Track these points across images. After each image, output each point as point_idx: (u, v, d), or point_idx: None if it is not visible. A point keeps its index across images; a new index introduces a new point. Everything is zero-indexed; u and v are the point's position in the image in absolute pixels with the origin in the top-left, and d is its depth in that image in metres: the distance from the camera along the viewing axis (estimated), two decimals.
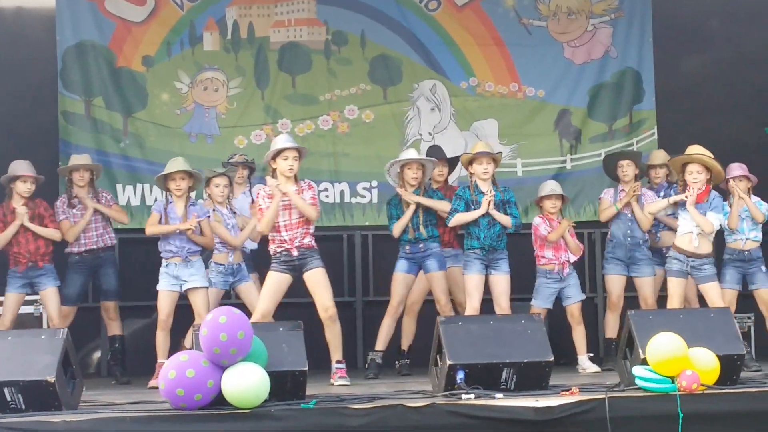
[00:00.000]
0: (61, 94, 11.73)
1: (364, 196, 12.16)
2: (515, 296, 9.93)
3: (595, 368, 9.95)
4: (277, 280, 9.03)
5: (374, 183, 12.13)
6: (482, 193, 9.60)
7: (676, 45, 12.74)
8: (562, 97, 12.52)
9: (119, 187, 11.75)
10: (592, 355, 10.22)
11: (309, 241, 9.10)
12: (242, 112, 12.08)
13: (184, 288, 9.39)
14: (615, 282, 10.30)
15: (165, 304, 9.40)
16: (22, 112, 11.58)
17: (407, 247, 9.98)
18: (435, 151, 10.90)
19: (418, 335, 10.33)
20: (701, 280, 9.35)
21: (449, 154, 11.02)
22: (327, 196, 12.06)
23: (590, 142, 12.51)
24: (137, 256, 11.37)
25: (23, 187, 9.91)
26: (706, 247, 9.29)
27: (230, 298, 10.20)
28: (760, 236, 10.00)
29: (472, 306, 9.48)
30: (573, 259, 10.16)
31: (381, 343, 10.13)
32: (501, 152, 10.39)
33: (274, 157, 9.04)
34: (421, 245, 9.97)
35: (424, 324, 10.34)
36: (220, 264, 9.78)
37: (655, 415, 7.01)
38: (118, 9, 11.90)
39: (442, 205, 9.92)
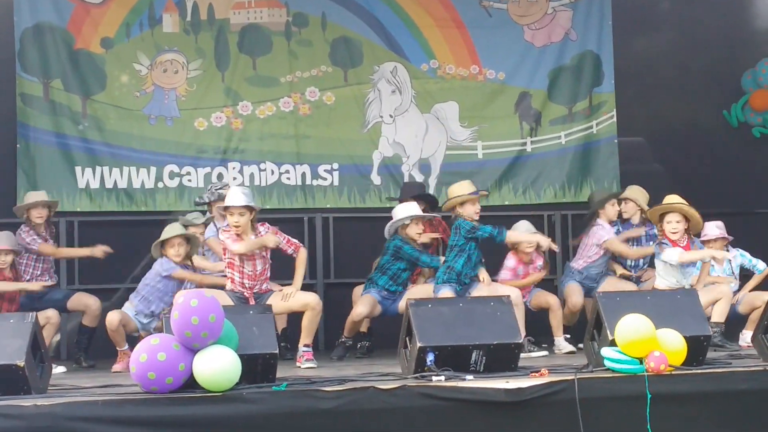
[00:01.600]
0: (19, 76, 11.58)
1: (325, 179, 12.12)
2: None
3: (569, 348, 10.08)
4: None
5: (335, 165, 12.11)
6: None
7: (633, 27, 12.80)
8: (522, 80, 12.53)
9: (78, 170, 11.65)
10: (569, 336, 10.37)
11: (266, 286, 9.03)
12: (202, 95, 11.98)
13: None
14: (574, 289, 10.50)
15: (114, 320, 9.44)
16: None
17: (384, 291, 10.00)
18: (415, 188, 11.12)
19: (374, 320, 10.39)
20: None
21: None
22: (288, 179, 12.03)
23: (550, 124, 12.54)
24: (96, 240, 11.27)
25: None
26: None
27: None
28: None
29: None
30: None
31: (348, 332, 10.17)
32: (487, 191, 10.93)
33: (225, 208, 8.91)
34: (397, 294, 10.02)
35: None
36: None
37: (623, 396, 7.10)
38: None
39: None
